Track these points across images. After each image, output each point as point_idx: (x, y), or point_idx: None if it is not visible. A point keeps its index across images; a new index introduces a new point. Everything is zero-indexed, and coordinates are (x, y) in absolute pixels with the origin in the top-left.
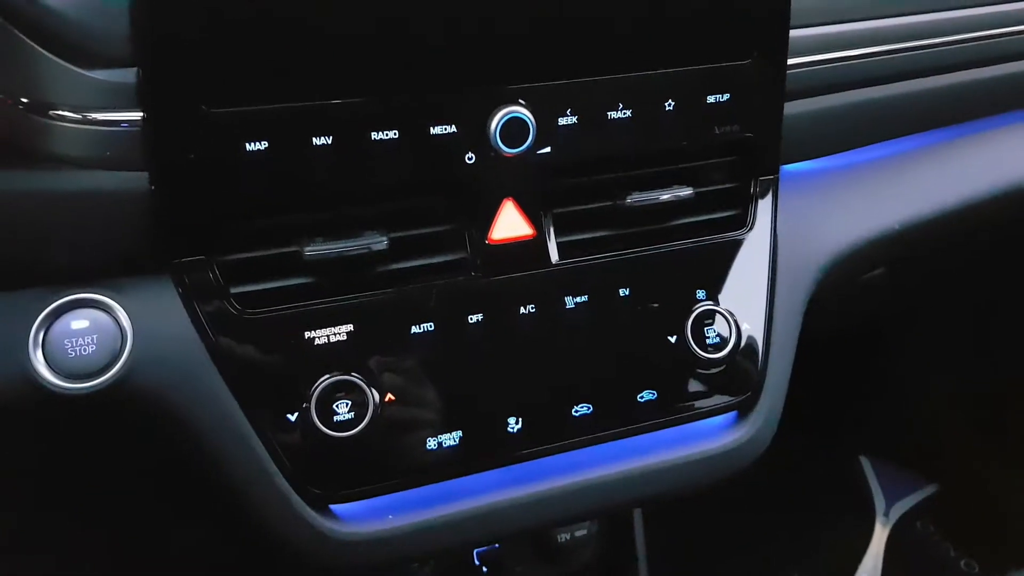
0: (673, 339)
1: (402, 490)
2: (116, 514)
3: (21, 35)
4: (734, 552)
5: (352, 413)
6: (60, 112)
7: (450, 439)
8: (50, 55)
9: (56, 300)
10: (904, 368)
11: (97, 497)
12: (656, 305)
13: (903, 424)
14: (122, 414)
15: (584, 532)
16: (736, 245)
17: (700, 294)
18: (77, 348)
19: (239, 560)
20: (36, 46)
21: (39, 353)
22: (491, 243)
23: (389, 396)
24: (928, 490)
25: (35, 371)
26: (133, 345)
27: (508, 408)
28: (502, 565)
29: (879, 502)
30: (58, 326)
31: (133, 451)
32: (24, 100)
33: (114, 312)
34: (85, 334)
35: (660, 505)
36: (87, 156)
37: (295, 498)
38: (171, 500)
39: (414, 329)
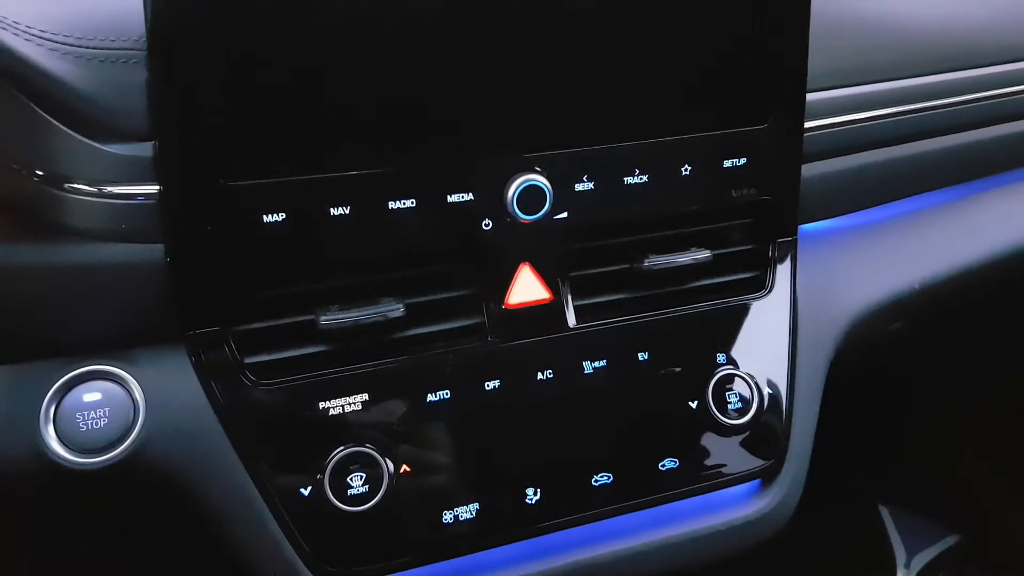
0: (694, 404)
1: (418, 567)
2: None
3: (37, 109)
4: None
5: (367, 486)
6: (75, 185)
7: (467, 512)
8: (67, 129)
9: (68, 372)
10: (925, 415)
11: (107, 573)
12: (676, 369)
13: (924, 472)
14: (134, 489)
15: None
16: (756, 307)
17: (720, 358)
18: (89, 422)
19: None
20: (53, 120)
21: (50, 427)
22: (508, 308)
23: (404, 467)
24: (950, 540)
25: (46, 445)
26: (146, 418)
27: (526, 478)
28: None
29: (900, 553)
30: (70, 399)
31: (144, 526)
32: (39, 172)
33: (127, 384)
34: (97, 407)
35: None
36: (102, 229)
37: (308, 575)
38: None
39: (430, 397)
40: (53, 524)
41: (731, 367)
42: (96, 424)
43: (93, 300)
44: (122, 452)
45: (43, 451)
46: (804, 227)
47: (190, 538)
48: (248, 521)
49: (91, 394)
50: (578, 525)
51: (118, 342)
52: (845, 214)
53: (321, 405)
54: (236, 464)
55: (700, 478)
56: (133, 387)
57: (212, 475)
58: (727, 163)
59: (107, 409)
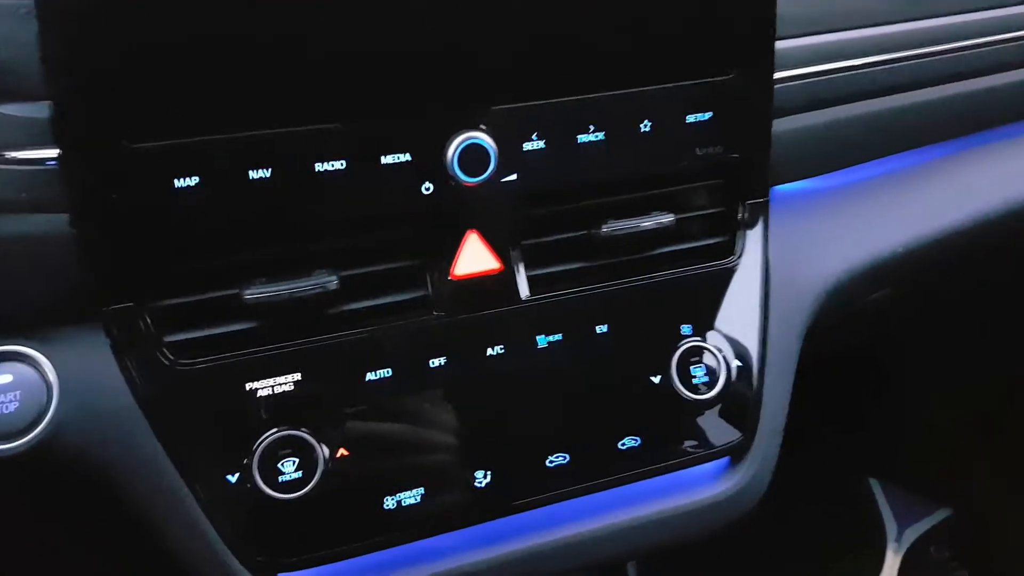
0: (656, 379)
1: (358, 556)
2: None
3: None
4: None
5: (300, 471)
6: None
7: (410, 497)
8: None
9: None
10: (913, 387)
11: (21, 562)
12: (637, 343)
13: (914, 446)
14: (48, 476)
15: None
16: (724, 275)
17: (685, 329)
18: (0, 406)
19: None
20: None
21: None
22: (454, 279)
23: (341, 451)
24: (942, 514)
25: None
26: (60, 401)
27: (475, 460)
28: None
29: (891, 527)
30: None
31: (61, 516)
32: None
33: (39, 365)
34: (8, 390)
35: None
36: (5, 198)
37: (236, 566)
38: (101, 568)
39: (369, 376)
40: None
41: (697, 339)
42: (6, 408)
43: (1, 275)
44: (35, 437)
45: None
46: (776, 189)
47: (111, 528)
48: (172, 509)
49: (1, 376)
50: (532, 509)
51: (29, 321)
52: (821, 174)
53: (248, 386)
54: (157, 450)
55: (663, 457)
56: (46, 368)
57: (132, 461)
58: (690, 118)
59: (18, 392)
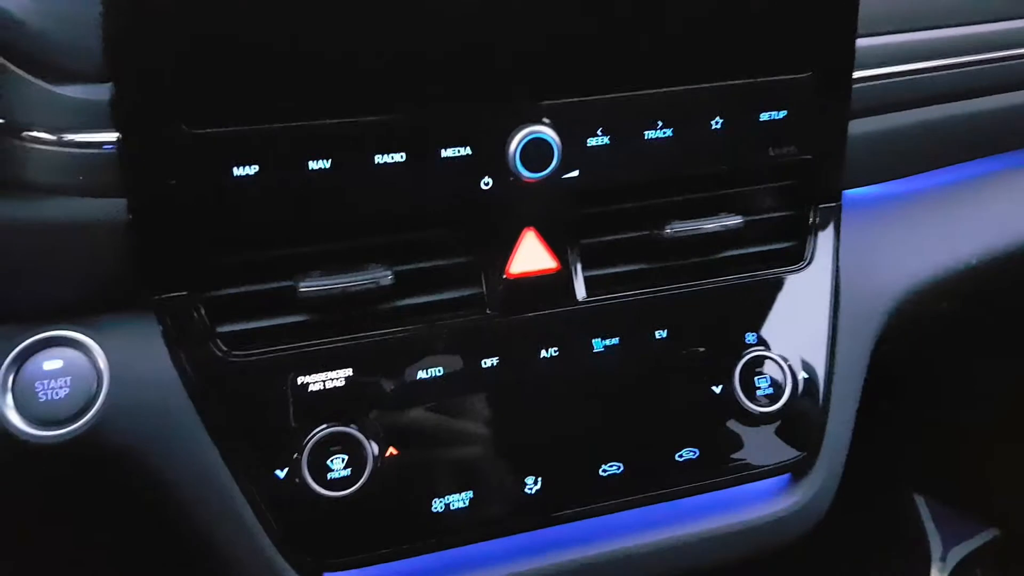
0: (718, 389)
1: (404, 558)
2: (87, 573)
3: None
4: None
5: (348, 469)
6: (33, 133)
7: (459, 500)
8: (19, 70)
9: (28, 338)
10: (968, 404)
11: (65, 554)
12: (699, 350)
13: (964, 463)
14: (96, 465)
15: None
16: (792, 282)
17: (750, 338)
18: (49, 391)
19: None
20: (4, 61)
21: (7, 397)
22: (509, 278)
23: (391, 450)
24: (989, 534)
25: (2, 416)
26: (110, 389)
27: (526, 466)
28: None
29: (935, 546)
30: (29, 367)
31: (107, 506)
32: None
33: (90, 352)
34: (58, 376)
35: None
36: (63, 181)
37: (283, 565)
38: (146, 561)
39: (420, 375)
40: (8, 502)
41: (762, 348)
42: (56, 394)
43: (55, 260)
44: (84, 425)
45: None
46: (848, 193)
47: (156, 521)
48: (218, 504)
49: (52, 362)
50: (583, 519)
51: (82, 307)
52: (895, 179)
53: (300, 380)
54: (206, 442)
55: (722, 471)
56: (97, 355)
57: (180, 453)
58: (764, 116)
59: (68, 378)
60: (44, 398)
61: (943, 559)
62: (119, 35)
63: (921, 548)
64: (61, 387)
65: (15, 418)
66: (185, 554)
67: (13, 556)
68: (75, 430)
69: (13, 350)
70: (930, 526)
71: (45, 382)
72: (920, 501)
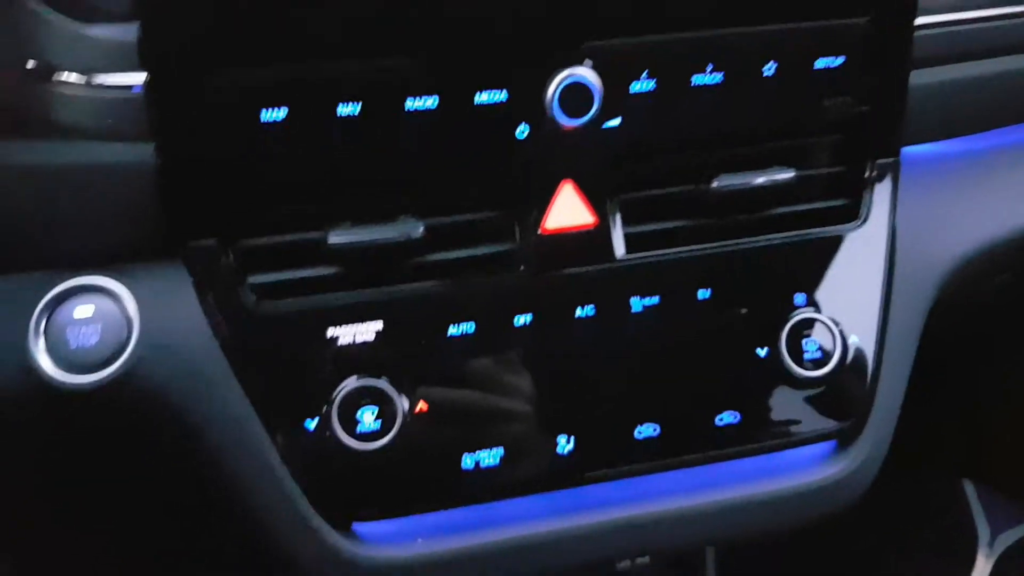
0: (763, 352)
1: (433, 511)
2: (116, 522)
3: None
4: None
5: (378, 422)
6: (63, 75)
7: (489, 457)
8: (49, 8)
9: (59, 285)
10: (1019, 382)
11: (96, 502)
12: (743, 311)
13: (1014, 446)
14: (126, 411)
15: (648, 559)
16: (845, 241)
17: (799, 299)
18: (80, 338)
19: None
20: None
21: (40, 342)
22: (544, 233)
23: (421, 405)
24: None
25: (35, 361)
26: (140, 336)
27: (559, 425)
28: None
29: (983, 532)
30: (61, 313)
31: (136, 455)
32: (27, 64)
33: (121, 300)
34: (89, 322)
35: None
36: (91, 125)
37: (312, 514)
38: (176, 510)
39: (452, 330)
40: (40, 446)
41: (810, 310)
42: (88, 341)
43: (85, 205)
44: (115, 371)
45: (31, 367)
46: (908, 150)
47: (186, 467)
48: (248, 453)
49: (83, 308)
50: (617, 479)
51: (112, 254)
52: (958, 136)
53: (330, 332)
54: (236, 391)
55: (764, 436)
56: (127, 302)
57: (210, 401)
58: (820, 63)
59: (99, 325)
60: (75, 344)
61: (990, 544)
62: None
63: (968, 532)
64: (92, 333)
65: (47, 363)
66: (214, 501)
67: (46, 499)
68: (106, 376)
69: (45, 297)
70: (978, 511)
71: (76, 328)
72: (968, 485)
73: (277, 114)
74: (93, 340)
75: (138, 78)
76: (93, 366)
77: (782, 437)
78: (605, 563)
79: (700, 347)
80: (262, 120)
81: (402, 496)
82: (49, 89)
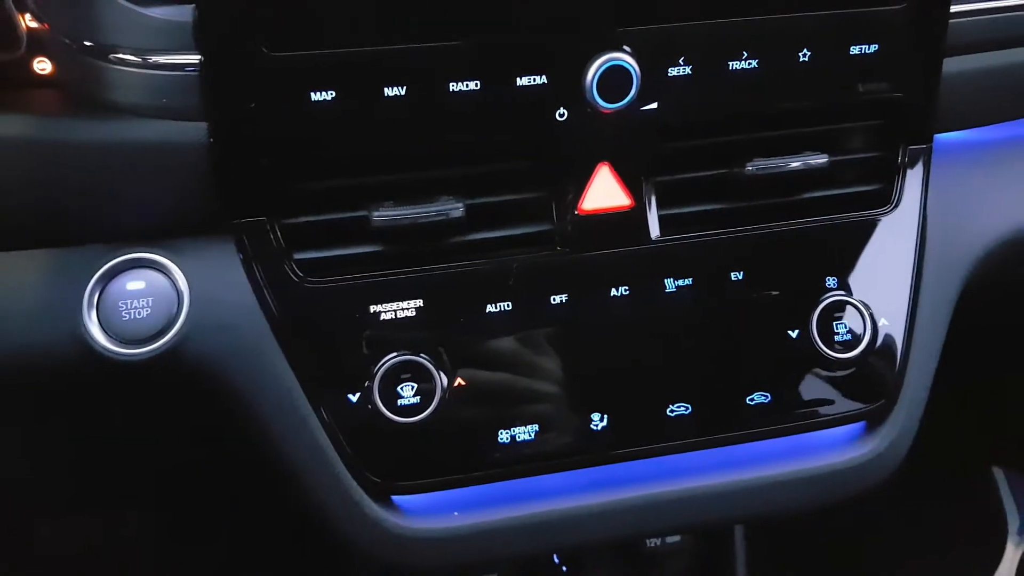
0: (794, 334)
1: (469, 485)
2: (163, 490)
3: None
4: (844, 571)
5: (418, 397)
6: (120, 55)
7: (525, 433)
8: None
9: (112, 259)
10: None
11: (144, 470)
12: (776, 293)
13: None
14: (176, 383)
15: (677, 539)
16: (877, 226)
17: (830, 282)
18: (132, 311)
19: (292, 547)
20: None
21: (93, 315)
22: (581, 214)
23: (459, 381)
24: None
25: (88, 333)
26: (190, 310)
27: (593, 402)
28: (583, 566)
29: (1012, 520)
30: (113, 286)
31: (184, 424)
32: (86, 43)
33: (171, 274)
34: (141, 296)
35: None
36: (145, 103)
37: (353, 485)
38: (222, 478)
39: (490, 308)
40: (91, 416)
41: (842, 293)
42: (139, 314)
43: (137, 182)
44: (165, 344)
45: (84, 339)
46: (941, 137)
47: (232, 438)
48: (293, 424)
49: (135, 282)
50: (649, 457)
51: (163, 230)
52: (990, 123)
53: (372, 309)
54: (282, 364)
55: (794, 416)
56: (177, 277)
57: (257, 374)
58: (854, 49)
59: (150, 299)
60: (127, 317)
61: (1020, 532)
62: None
63: (998, 520)
64: (143, 307)
65: (99, 335)
66: (259, 470)
67: (98, 465)
68: (156, 348)
69: (98, 270)
70: (1008, 499)
71: (128, 302)
72: (999, 473)
73: (326, 95)
74: (144, 313)
75: (191, 58)
76: (144, 339)
77: (812, 417)
78: (635, 540)
79: (732, 328)
80: (311, 100)
81: (439, 469)
82: (105, 67)
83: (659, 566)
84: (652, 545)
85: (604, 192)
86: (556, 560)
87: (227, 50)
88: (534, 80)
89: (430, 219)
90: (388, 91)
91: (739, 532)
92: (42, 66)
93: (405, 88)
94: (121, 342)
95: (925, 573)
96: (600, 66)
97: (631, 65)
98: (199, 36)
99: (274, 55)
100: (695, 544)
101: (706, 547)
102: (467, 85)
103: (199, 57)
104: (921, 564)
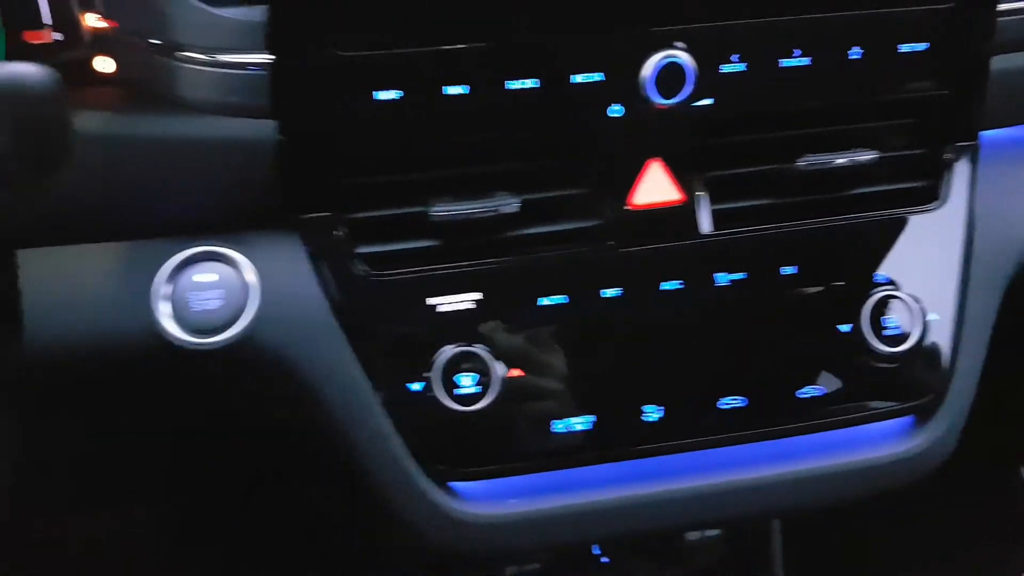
0: (845, 328)
1: (526, 473)
2: (231, 477)
3: None
4: (868, 568)
5: (476, 387)
6: (188, 53)
7: (579, 423)
8: None
9: (184, 252)
10: None
11: (212, 457)
12: (826, 288)
13: None
14: (244, 372)
15: (715, 532)
16: (925, 221)
17: (880, 277)
18: (203, 302)
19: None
20: None
21: (166, 306)
22: (634, 209)
23: (516, 371)
24: None
25: (160, 324)
26: (258, 301)
27: (645, 394)
28: (622, 556)
29: None
30: (184, 278)
31: (253, 412)
32: (154, 41)
33: (240, 267)
34: (212, 287)
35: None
36: (215, 101)
37: (416, 472)
38: (289, 467)
39: (545, 301)
40: (163, 405)
41: (891, 288)
42: (209, 305)
43: (206, 177)
44: (234, 334)
45: (157, 330)
46: (986, 134)
47: (298, 424)
48: (357, 412)
49: (206, 275)
50: (701, 449)
51: (233, 224)
52: None
53: (432, 301)
54: (347, 354)
55: (844, 410)
56: (246, 270)
57: (324, 364)
58: (904, 48)
59: (221, 291)
60: (198, 308)
61: None
62: None
63: None
64: (214, 298)
65: (171, 325)
66: (325, 455)
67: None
68: (226, 339)
69: (169, 262)
70: None
71: (199, 293)
72: None
73: (391, 94)
74: (215, 304)
75: (261, 58)
76: (214, 329)
77: (862, 411)
78: (687, 530)
79: (783, 322)
80: (377, 99)
81: (496, 457)
82: (176, 65)
83: (693, 559)
84: (690, 539)
85: (656, 187)
86: (596, 551)
87: (298, 50)
88: (591, 78)
89: (486, 214)
90: (450, 89)
91: (776, 533)
92: (104, 64)
93: (466, 87)
94: (192, 332)
95: (955, 572)
96: (657, 63)
97: (686, 61)
98: (271, 36)
99: (343, 55)
100: (731, 537)
101: (741, 540)
102: (525, 84)
103: (269, 57)
104: (951, 563)
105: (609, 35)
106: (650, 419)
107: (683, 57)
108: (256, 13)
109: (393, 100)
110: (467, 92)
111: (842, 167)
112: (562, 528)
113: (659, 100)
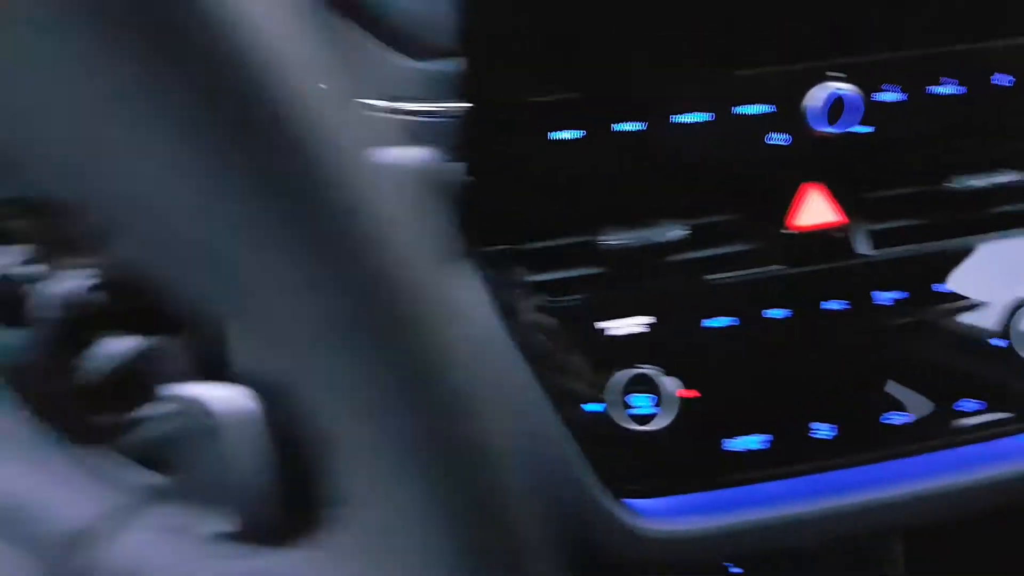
0: (999, 343)
1: (701, 491)
2: None
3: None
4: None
5: (650, 408)
6: (375, 101)
7: (753, 441)
8: (374, 42)
9: None
10: None
11: None
12: (980, 303)
13: None
14: None
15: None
16: None
17: None
18: None
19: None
20: (367, 33)
21: None
22: (795, 231)
23: (689, 392)
24: None
25: None
26: None
27: (814, 412)
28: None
29: None
30: None
31: None
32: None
33: None
34: None
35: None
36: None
37: (601, 490)
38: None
39: (713, 323)
40: None
41: None
42: None
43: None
44: None
45: None
46: None
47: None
48: (540, 435)
49: None
50: (870, 463)
51: None
52: None
53: (604, 325)
54: (529, 378)
55: (1003, 421)
56: None
57: (507, 387)
58: None
59: None
60: None
61: None
62: (472, 12)
63: None
64: None
65: None
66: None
67: None
68: None
69: None
70: None
71: None
72: None
73: (571, 134)
74: None
75: (438, 106)
76: None
77: (1019, 422)
78: (864, 539)
79: (942, 337)
80: (557, 139)
81: (672, 475)
82: (373, 115)
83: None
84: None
85: (817, 209)
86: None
87: (489, 98)
88: (756, 110)
89: (653, 241)
90: (623, 127)
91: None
92: None
93: (641, 125)
94: None
95: None
96: (821, 94)
97: (850, 92)
98: (463, 87)
99: (531, 101)
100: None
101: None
102: (695, 118)
103: (460, 104)
104: None
105: (775, 69)
106: (820, 435)
107: (846, 88)
108: (440, 65)
109: (572, 140)
110: (639, 130)
111: (997, 186)
112: (737, 542)
113: (823, 129)
